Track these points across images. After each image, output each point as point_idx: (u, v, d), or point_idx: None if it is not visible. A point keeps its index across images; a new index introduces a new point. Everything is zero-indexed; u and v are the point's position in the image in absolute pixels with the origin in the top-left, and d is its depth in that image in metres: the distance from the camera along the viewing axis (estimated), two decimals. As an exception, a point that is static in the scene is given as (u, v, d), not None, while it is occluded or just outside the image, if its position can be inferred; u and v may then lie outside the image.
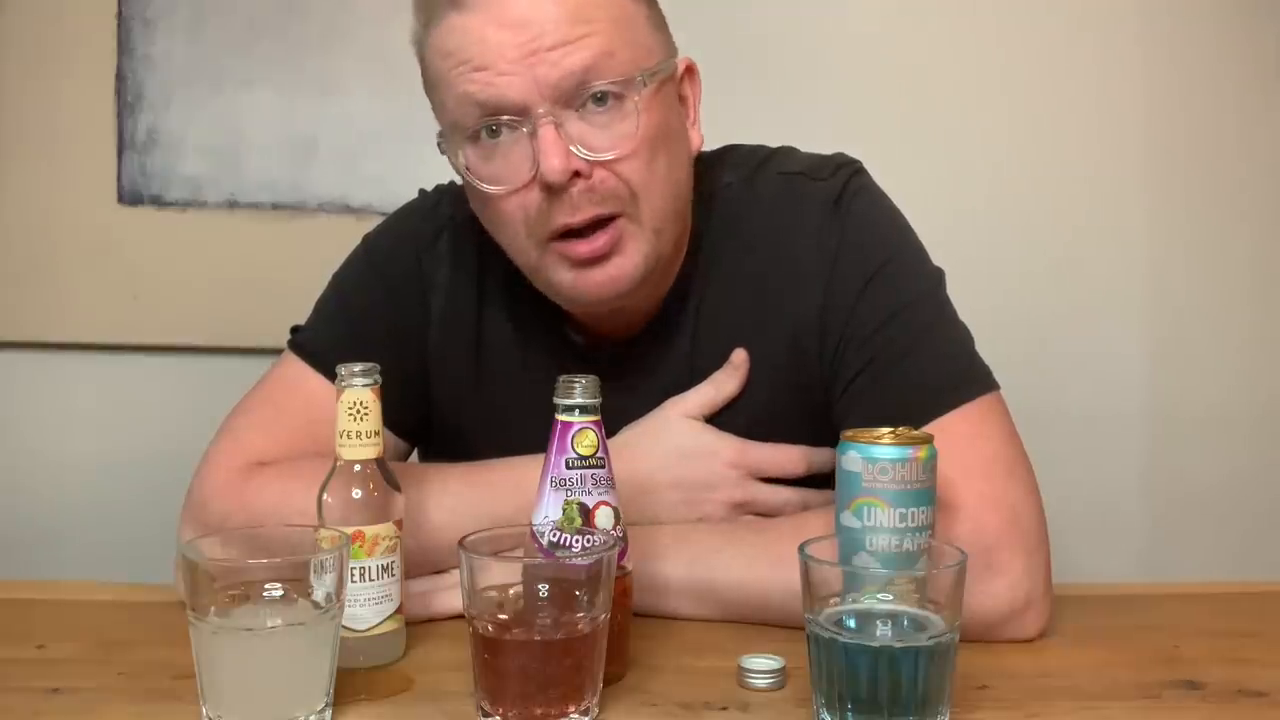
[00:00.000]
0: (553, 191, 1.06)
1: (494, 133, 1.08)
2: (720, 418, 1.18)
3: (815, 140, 1.27)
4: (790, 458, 1.18)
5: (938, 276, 1.19)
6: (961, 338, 1.16)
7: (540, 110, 1.05)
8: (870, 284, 1.15)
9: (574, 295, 1.13)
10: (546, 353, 1.21)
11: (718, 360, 1.19)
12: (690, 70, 1.17)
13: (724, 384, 1.18)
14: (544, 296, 1.20)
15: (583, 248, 1.09)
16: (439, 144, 1.14)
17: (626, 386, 1.17)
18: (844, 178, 1.20)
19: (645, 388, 1.19)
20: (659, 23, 1.13)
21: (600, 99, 1.06)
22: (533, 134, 1.06)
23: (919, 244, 1.20)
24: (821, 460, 1.17)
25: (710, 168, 1.22)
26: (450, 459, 1.20)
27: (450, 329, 1.24)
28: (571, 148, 1.05)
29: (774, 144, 1.26)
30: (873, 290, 1.15)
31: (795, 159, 1.23)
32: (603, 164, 1.07)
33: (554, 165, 1.04)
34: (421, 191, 1.32)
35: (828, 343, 1.16)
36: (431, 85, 1.13)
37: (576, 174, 1.06)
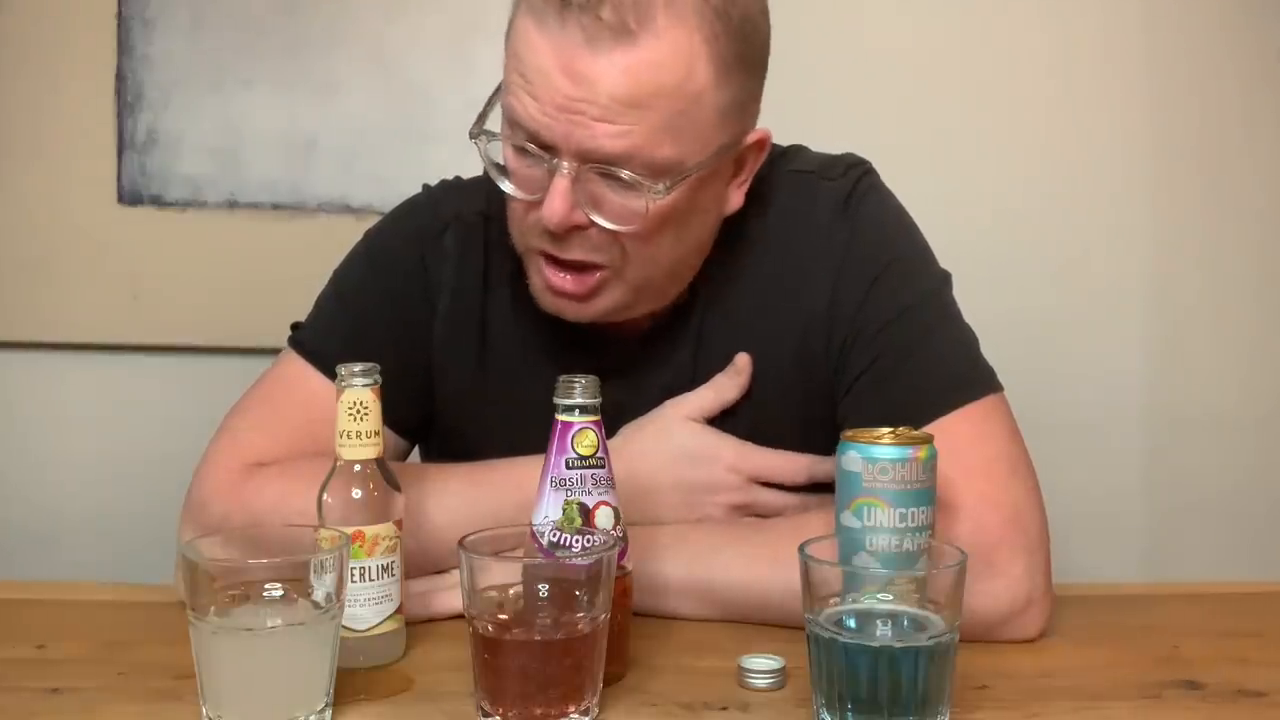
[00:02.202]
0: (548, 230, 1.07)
1: (522, 150, 1.07)
2: (721, 419, 1.18)
3: (818, 141, 1.27)
4: (793, 466, 1.17)
5: (944, 278, 1.19)
6: (966, 339, 1.16)
7: (565, 161, 1.04)
8: (876, 284, 1.15)
9: (542, 300, 1.14)
10: (551, 350, 1.21)
11: (724, 359, 1.19)
12: (760, 144, 1.13)
13: (725, 389, 1.18)
14: None
15: (557, 281, 1.10)
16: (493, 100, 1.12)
17: (631, 384, 1.17)
18: (854, 178, 1.20)
19: (650, 386, 1.19)
20: (740, 105, 1.08)
21: (617, 179, 1.04)
22: (552, 172, 1.05)
23: (926, 245, 1.20)
24: (825, 470, 1.16)
25: None
26: (452, 458, 1.20)
27: (455, 326, 1.24)
28: (581, 206, 1.05)
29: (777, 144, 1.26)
30: (879, 290, 1.15)
31: (806, 158, 1.23)
32: (603, 228, 1.07)
33: (555, 213, 1.04)
34: (425, 187, 1.31)
35: (833, 341, 1.16)
36: (506, 53, 1.09)
37: (576, 226, 1.06)
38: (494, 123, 1.10)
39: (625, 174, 1.03)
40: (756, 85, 1.11)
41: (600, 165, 1.03)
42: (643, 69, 1.01)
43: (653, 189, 1.04)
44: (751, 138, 1.12)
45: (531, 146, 1.05)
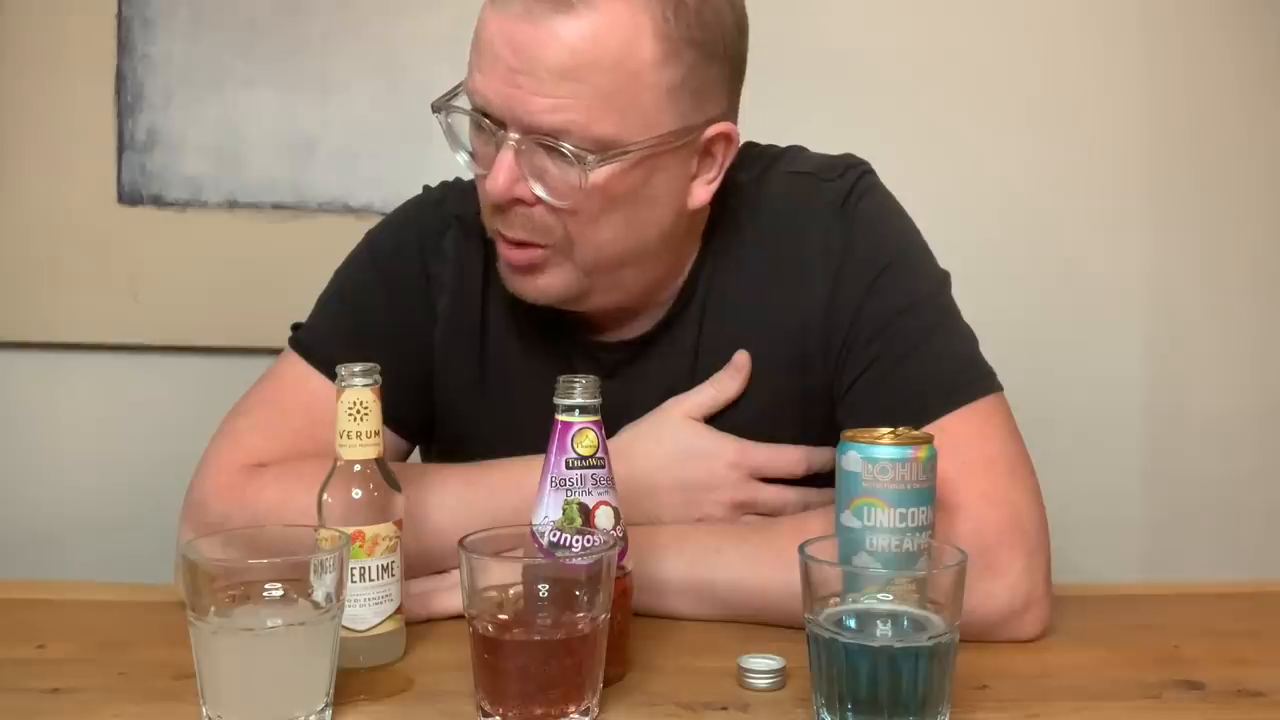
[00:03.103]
0: (494, 204, 1.09)
1: (478, 126, 1.09)
2: (722, 418, 1.18)
3: (816, 141, 1.27)
4: (791, 459, 1.18)
5: (943, 278, 1.19)
6: (966, 339, 1.16)
7: (512, 133, 1.06)
8: (875, 284, 1.15)
9: (505, 279, 1.16)
10: (552, 350, 1.21)
11: (723, 359, 1.19)
12: (726, 137, 1.12)
13: (725, 385, 1.18)
14: None
15: (513, 253, 1.12)
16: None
17: (632, 384, 1.18)
18: (852, 179, 1.20)
19: (650, 385, 1.19)
20: (694, 91, 1.08)
21: (558, 152, 1.05)
22: (499, 145, 1.07)
23: (925, 246, 1.20)
24: (822, 460, 1.17)
25: None
26: (452, 459, 1.20)
27: (455, 327, 1.24)
28: (525, 179, 1.07)
29: (776, 145, 1.26)
30: (878, 290, 1.15)
31: (805, 159, 1.24)
32: (545, 204, 1.08)
33: (497, 185, 1.06)
34: (425, 188, 1.32)
35: (832, 342, 1.16)
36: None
37: (520, 200, 1.08)
38: (463, 101, 1.12)
39: (565, 147, 1.04)
40: (717, 73, 1.10)
41: (541, 137, 1.05)
42: (578, 40, 1.02)
43: (585, 162, 1.04)
44: (714, 130, 1.11)
45: (485, 121, 1.07)
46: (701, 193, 1.14)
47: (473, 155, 1.12)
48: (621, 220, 1.10)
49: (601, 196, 1.07)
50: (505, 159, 1.06)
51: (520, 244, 1.11)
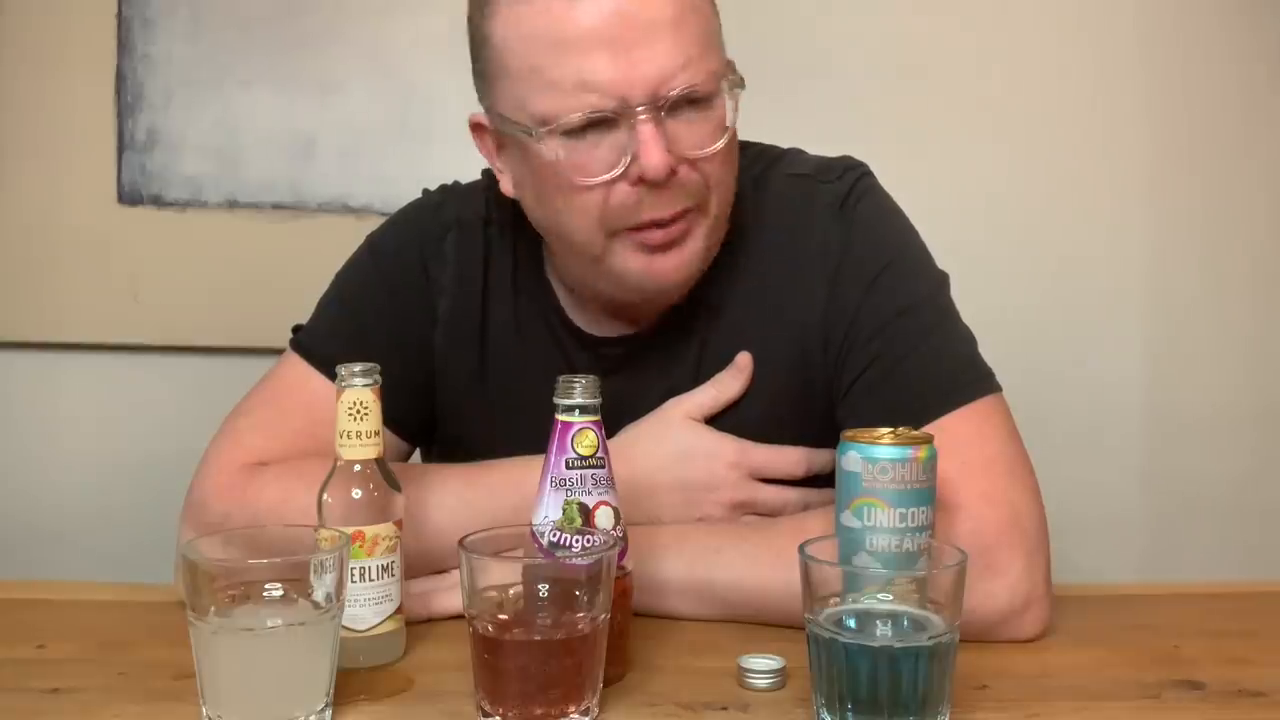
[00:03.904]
0: (648, 186, 1.06)
1: (584, 127, 1.06)
2: (723, 419, 1.18)
3: (815, 142, 1.27)
4: (790, 459, 1.18)
5: (942, 279, 1.19)
6: (965, 340, 1.17)
7: (639, 107, 1.04)
8: (874, 285, 1.15)
9: (642, 281, 1.13)
10: (553, 351, 1.21)
11: (724, 359, 1.19)
12: (740, 78, 1.15)
13: (727, 386, 1.18)
14: (548, 295, 1.21)
15: (659, 235, 1.10)
16: (491, 127, 1.13)
17: (633, 384, 1.18)
18: (851, 180, 1.20)
19: (652, 386, 1.19)
20: (720, 28, 1.14)
21: (694, 100, 1.06)
22: (631, 129, 1.05)
23: (923, 247, 1.21)
24: (822, 461, 1.17)
25: None
26: (454, 459, 1.20)
27: (456, 328, 1.24)
28: (670, 149, 1.06)
29: (776, 146, 1.27)
30: (876, 291, 1.15)
31: (804, 161, 1.24)
32: (691, 161, 1.08)
33: (657, 162, 1.04)
34: (425, 191, 1.32)
35: (831, 343, 1.16)
36: (501, 73, 1.09)
37: (672, 171, 1.06)
38: (531, 120, 1.07)
39: (707, 88, 1.06)
40: None
41: (676, 96, 1.05)
42: None
43: (727, 88, 1.07)
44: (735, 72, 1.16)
45: (603, 111, 1.04)
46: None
47: (581, 172, 1.07)
48: (733, 158, 1.13)
49: (731, 132, 1.09)
50: (650, 133, 1.04)
51: (670, 221, 1.09)
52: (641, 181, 1.06)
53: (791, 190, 1.20)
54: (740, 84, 1.10)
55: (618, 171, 1.06)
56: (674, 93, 1.04)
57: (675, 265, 1.12)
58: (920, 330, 1.14)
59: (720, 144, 1.08)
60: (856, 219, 1.18)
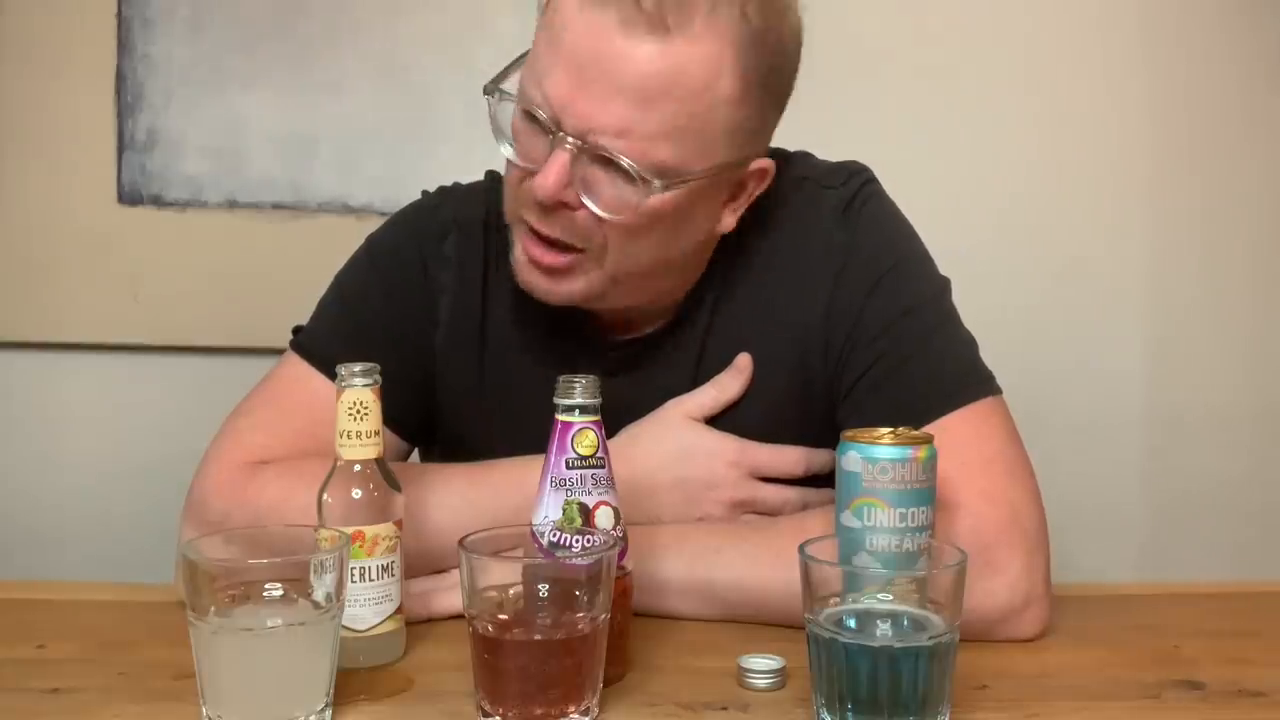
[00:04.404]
0: (538, 202, 1.08)
1: (532, 118, 1.07)
2: (723, 419, 1.18)
3: (815, 143, 1.27)
4: (790, 459, 1.18)
5: (944, 284, 1.20)
6: (966, 343, 1.17)
7: (570, 137, 1.04)
8: (877, 287, 1.16)
9: (519, 279, 1.14)
10: (554, 351, 1.21)
11: (727, 361, 1.19)
12: (762, 173, 1.14)
13: (727, 387, 1.18)
14: None
15: (535, 252, 1.11)
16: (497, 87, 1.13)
17: (635, 385, 1.18)
18: (856, 185, 1.20)
19: (654, 387, 1.19)
20: (753, 130, 1.10)
21: (614, 165, 1.04)
22: (554, 145, 1.05)
23: (926, 252, 1.21)
24: (821, 461, 1.17)
25: None
26: (454, 460, 1.20)
27: (456, 329, 1.24)
28: (574, 185, 1.05)
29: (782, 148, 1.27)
30: (879, 294, 1.16)
31: (809, 165, 1.24)
32: (590, 212, 1.07)
33: (546, 184, 1.05)
34: (424, 193, 1.32)
35: (834, 344, 1.16)
36: (539, 22, 1.10)
37: (564, 204, 1.07)
38: (511, 85, 1.10)
39: (625, 162, 1.03)
40: (774, 115, 1.13)
41: (601, 148, 1.04)
42: (665, 67, 1.02)
43: (650, 185, 1.04)
44: (755, 165, 1.13)
45: (541, 114, 1.05)
46: (729, 219, 1.16)
47: (514, 144, 1.10)
48: (659, 238, 1.10)
49: (649, 215, 1.06)
50: (559, 160, 1.05)
51: (552, 244, 1.10)
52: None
53: (796, 194, 1.21)
54: (704, 177, 1.07)
55: (533, 169, 1.07)
56: (594, 145, 1.04)
57: (546, 289, 1.13)
58: (923, 332, 1.15)
59: (616, 217, 1.06)
60: (861, 222, 1.18)
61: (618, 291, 1.14)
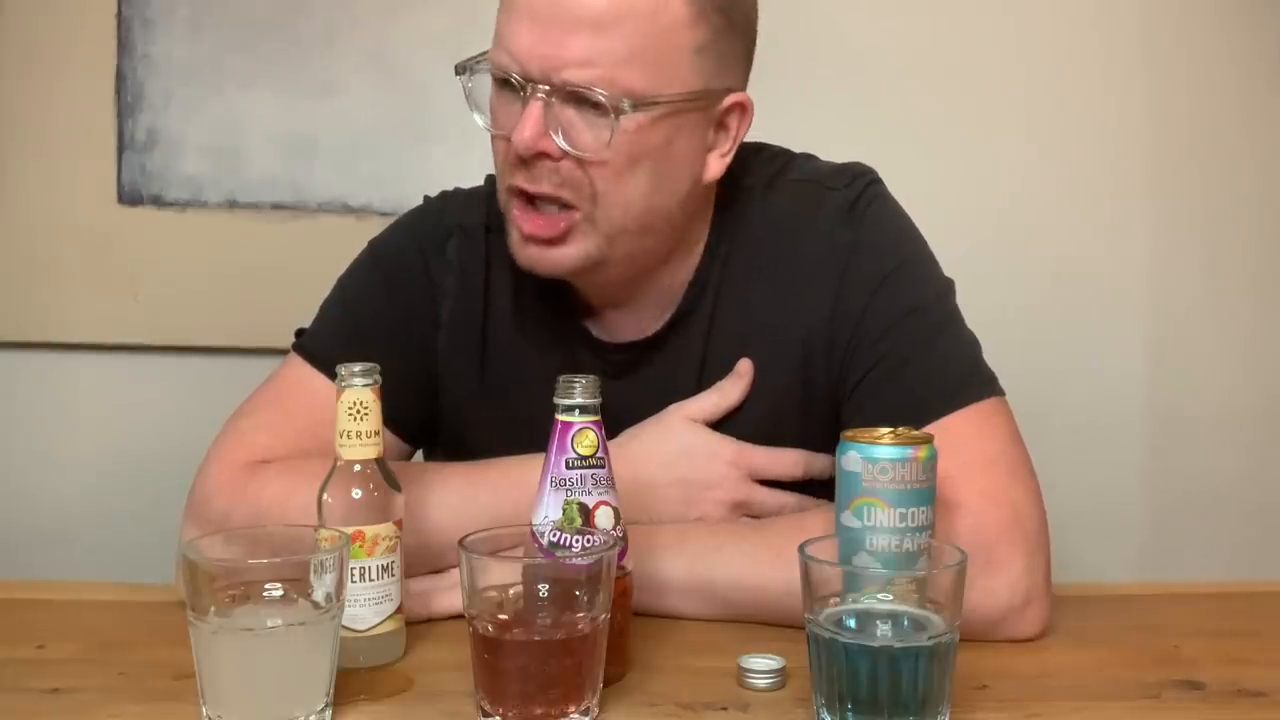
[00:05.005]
0: (520, 158, 1.09)
1: (504, 83, 1.10)
2: (725, 423, 1.18)
3: (816, 143, 1.27)
4: (789, 461, 1.18)
5: (947, 285, 1.20)
6: (969, 344, 1.17)
7: (539, 85, 1.06)
8: (880, 288, 1.16)
9: (518, 260, 1.15)
10: (556, 353, 1.21)
11: (730, 363, 1.19)
12: (741, 107, 1.14)
13: (729, 392, 1.18)
14: (554, 299, 1.21)
15: (529, 225, 1.11)
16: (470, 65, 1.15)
17: (638, 387, 1.18)
18: (860, 187, 1.20)
19: (657, 388, 1.19)
20: (719, 55, 1.11)
21: (585, 100, 1.06)
22: (525, 101, 1.07)
23: (930, 253, 1.21)
24: (820, 466, 1.17)
25: (734, 168, 1.21)
26: (456, 460, 1.20)
27: (458, 331, 1.24)
28: (551, 132, 1.07)
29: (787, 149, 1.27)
30: (883, 294, 1.16)
31: (813, 167, 1.24)
32: (572, 158, 1.08)
33: (523, 136, 1.07)
34: (426, 198, 1.32)
35: (837, 345, 1.17)
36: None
37: (546, 154, 1.08)
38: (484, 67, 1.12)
39: (597, 93, 1.05)
40: (739, 44, 1.13)
41: (569, 83, 1.05)
42: None
43: (620, 110, 1.06)
44: (732, 99, 1.13)
45: (512, 75, 1.07)
46: (716, 165, 1.16)
47: (492, 121, 1.12)
48: (646, 179, 1.11)
49: (629, 149, 1.08)
50: (533, 110, 1.06)
51: (543, 202, 1.10)
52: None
53: (799, 196, 1.21)
54: (681, 104, 1.09)
55: (510, 132, 1.08)
56: (562, 82, 1.06)
57: (545, 261, 1.13)
58: (927, 332, 1.15)
59: (599, 155, 1.07)
60: (865, 223, 1.19)
61: (615, 256, 1.13)
